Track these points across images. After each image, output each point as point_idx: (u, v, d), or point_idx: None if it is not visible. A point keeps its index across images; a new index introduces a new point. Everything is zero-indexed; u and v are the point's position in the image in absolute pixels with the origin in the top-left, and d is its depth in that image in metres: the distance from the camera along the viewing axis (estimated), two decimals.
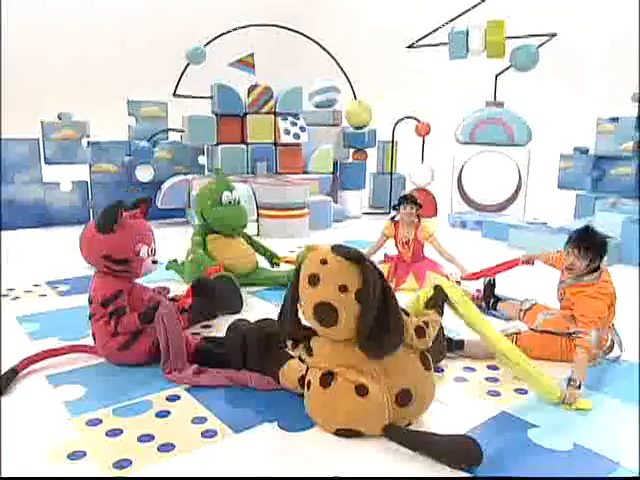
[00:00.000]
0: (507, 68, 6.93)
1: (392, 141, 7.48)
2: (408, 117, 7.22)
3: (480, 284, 3.70)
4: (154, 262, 2.75)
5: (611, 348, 2.79)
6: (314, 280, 1.99)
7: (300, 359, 2.21)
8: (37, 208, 6.15)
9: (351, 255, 1.98)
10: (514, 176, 7.11)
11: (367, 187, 7.84)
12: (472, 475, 1.87)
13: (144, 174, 6.41)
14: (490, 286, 3.58)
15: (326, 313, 1.97)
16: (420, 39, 7.12)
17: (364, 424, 2.06)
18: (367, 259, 2.02)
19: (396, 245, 4.10)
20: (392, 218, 4.08)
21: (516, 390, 2.46)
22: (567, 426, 2.18)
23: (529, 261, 3.29)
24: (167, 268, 4.17)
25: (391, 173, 7.60)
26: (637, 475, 1.87)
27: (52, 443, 2.03)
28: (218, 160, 6.48)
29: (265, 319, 2.69)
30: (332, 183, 7.15)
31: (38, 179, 6.15)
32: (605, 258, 2.70)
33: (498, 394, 2.42)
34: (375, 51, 11.06)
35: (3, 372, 2.47)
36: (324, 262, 1.99)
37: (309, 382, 2.16)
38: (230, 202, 3.98)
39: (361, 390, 2.02)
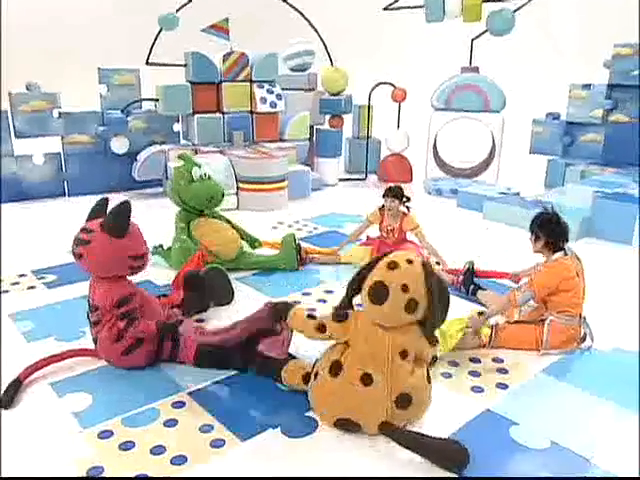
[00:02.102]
0: (483, 32, 6.90)
1: (368, 106, 7.45)
2: (384, 83, 7.18)
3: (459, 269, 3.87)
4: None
5: (583, 339, 3.01)
6: (393, 265, 2.17)
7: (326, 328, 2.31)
8: (10, 182, 5.99)
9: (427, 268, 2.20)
10: (488, 142, 7.22)
11: (343, 152, 7.84)
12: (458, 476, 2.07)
13: (119, 146, 6.27)
14: (469, 273, 3.75)
15: (380, 292, 2.14)
16: (396, 0, 6.98)
17: (363, 416, 2.23)
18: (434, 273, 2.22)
19: (380, 230, 4.19)
20: (381, 207, 4.13)
21: (497, 385, 2.66)
22: (545, 423, 2.39)
23: (517, 278, 3.56)
24: (152, 254, 4.20)
25: (367, 138, 7.61)
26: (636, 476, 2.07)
27: (70, 459, 2.13)
28: (194, 130, 6.38)
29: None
30: (308, 150, 7.15)
31: (9, 152, 5.95)
32: (566, 246, 2.98)
33: (482, 390, 2.62)
34: (351, 15, 10.72)
35: (7, 384, 2.52)
36: (410, 262, 2.18)
37: (317, 373, 2.34)
38: (201, 177, 4.04)
39: (366, 379, 2.20)
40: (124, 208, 2.60)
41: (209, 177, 4.11)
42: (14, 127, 5.94)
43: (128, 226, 2.63)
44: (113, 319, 2.65)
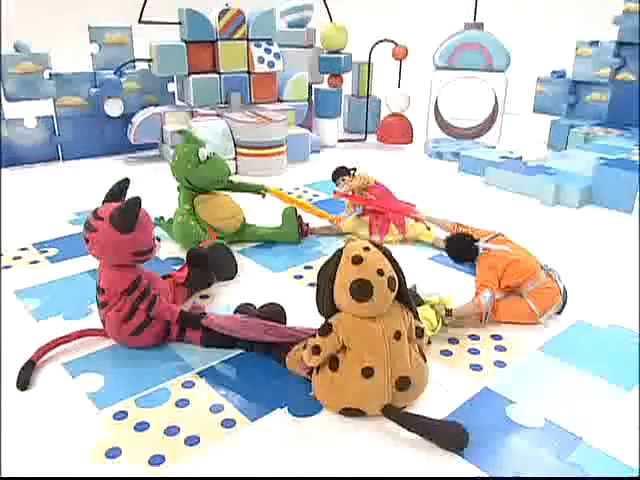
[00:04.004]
0: None
1: (368, 65, 7.27)
2: (385, 40, 6.98)
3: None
4: (158, 240, 2.85)
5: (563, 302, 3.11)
6: (358, 259, 2.23)
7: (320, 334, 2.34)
8: (2, 147, 5.88)
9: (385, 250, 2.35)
10: (491, 102, 7.10)
11: (342, 111, 7.71)
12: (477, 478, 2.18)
13: (113, 108, 6.16)
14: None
15: (363, 288, 2.21)
16: None
17: (367, 404, 2.33)
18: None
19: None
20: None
21: (496, 363, 2.75)
22: (540, 401, 2.48)
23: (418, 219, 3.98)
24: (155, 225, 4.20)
25: (367, 97, 7.48)
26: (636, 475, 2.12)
27: (90, 441, 2.21)
28: (190, 91, 6.24)
29: (269, 304, 2.87)
30: (307, 110, 7.02)
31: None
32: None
33: (480, 368, 2.71)
34: None
35: (21, 365, 2.58)
36: (367, 249, 2.28)
37: (318, 366, 2.40)
38: (208, 157, 3.89)
39: (367, 372, 2.28)
40: (133, 204, 2.58)
41: (214, 155, 3.95)
42: (3, 90, 5.78)
43: (134, 223, 2.60)
44: (120, 303, 2.69)
